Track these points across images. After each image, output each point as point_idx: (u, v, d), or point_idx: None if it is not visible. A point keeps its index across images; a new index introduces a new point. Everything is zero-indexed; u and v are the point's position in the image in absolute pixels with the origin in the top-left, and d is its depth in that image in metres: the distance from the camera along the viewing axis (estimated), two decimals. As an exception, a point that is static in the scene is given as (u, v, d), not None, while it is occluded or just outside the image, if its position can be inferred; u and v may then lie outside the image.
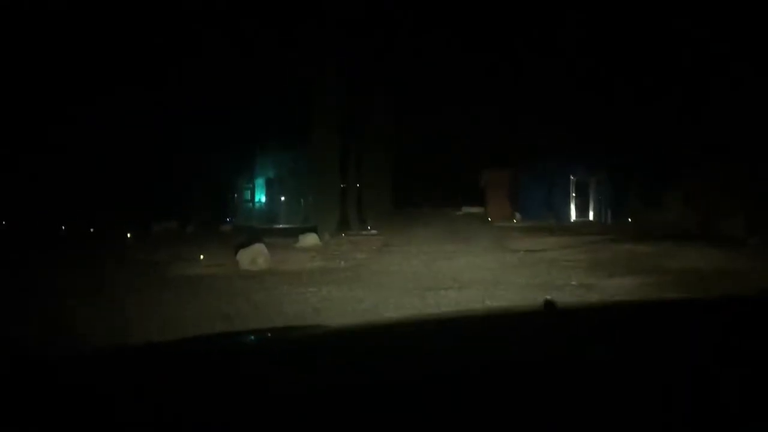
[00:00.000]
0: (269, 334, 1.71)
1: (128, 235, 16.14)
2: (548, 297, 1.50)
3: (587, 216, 24.17)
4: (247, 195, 25.77)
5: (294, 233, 15.87)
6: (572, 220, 24.14)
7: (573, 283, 8.71)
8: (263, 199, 25.14)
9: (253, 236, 17.00)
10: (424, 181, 44.21)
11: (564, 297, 7.25)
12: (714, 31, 18.48)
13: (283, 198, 25.17)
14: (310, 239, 14.97)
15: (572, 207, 24.35)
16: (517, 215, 25.55)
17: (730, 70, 18.19)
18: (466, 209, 34.85)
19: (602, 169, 23.36)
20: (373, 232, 20.25)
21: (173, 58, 27.29)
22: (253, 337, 1.71)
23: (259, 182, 25.61)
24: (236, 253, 11.21)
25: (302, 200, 22.75)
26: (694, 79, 19.69)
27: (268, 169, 25.27)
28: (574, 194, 24.25)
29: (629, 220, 21.53)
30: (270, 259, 11.20)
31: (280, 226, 23.25)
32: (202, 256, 11.84)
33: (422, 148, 42.83)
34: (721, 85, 18.87)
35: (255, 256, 10.98)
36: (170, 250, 13.79)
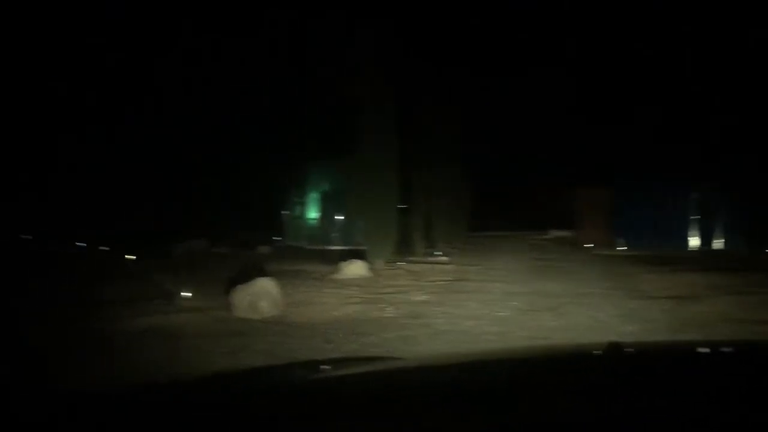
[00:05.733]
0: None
1: (128, 257, 12.81)
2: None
3: (712, 244, 19.23)
4: (298, 211, 22.31)
5: (347, 257, 12.16)
6: (693, 248, 19.31)
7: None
8: (316, 215, 21.61)
9: (288, 260, 13.48)
10: (502, 202, 39.73)
11: None
12: None
13: (339, 215, 21.59)
14: (355, 268, 11.13)
15: (694, 232, 19.44)
16: (621, 241, 20.90)
17: None
18: (554, 233, 30.34)
19: (735, 184, 18.39)
20: (443, 258, 16.26)
21: (218, 57, 24.61)
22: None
23: (314, 196, 22.15)
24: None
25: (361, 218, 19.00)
26: None
27: (324, 182, 21.78)
28: (696, 216, 19.36)
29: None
30: (280, 302, 7.45)
31: (333, 247, 19.62)
32: (188, 294, 8.23)
33: (499, 164, 38.50)
34: None
35: (256, 298, 7.24)
36: (169, 279, 10.27)
